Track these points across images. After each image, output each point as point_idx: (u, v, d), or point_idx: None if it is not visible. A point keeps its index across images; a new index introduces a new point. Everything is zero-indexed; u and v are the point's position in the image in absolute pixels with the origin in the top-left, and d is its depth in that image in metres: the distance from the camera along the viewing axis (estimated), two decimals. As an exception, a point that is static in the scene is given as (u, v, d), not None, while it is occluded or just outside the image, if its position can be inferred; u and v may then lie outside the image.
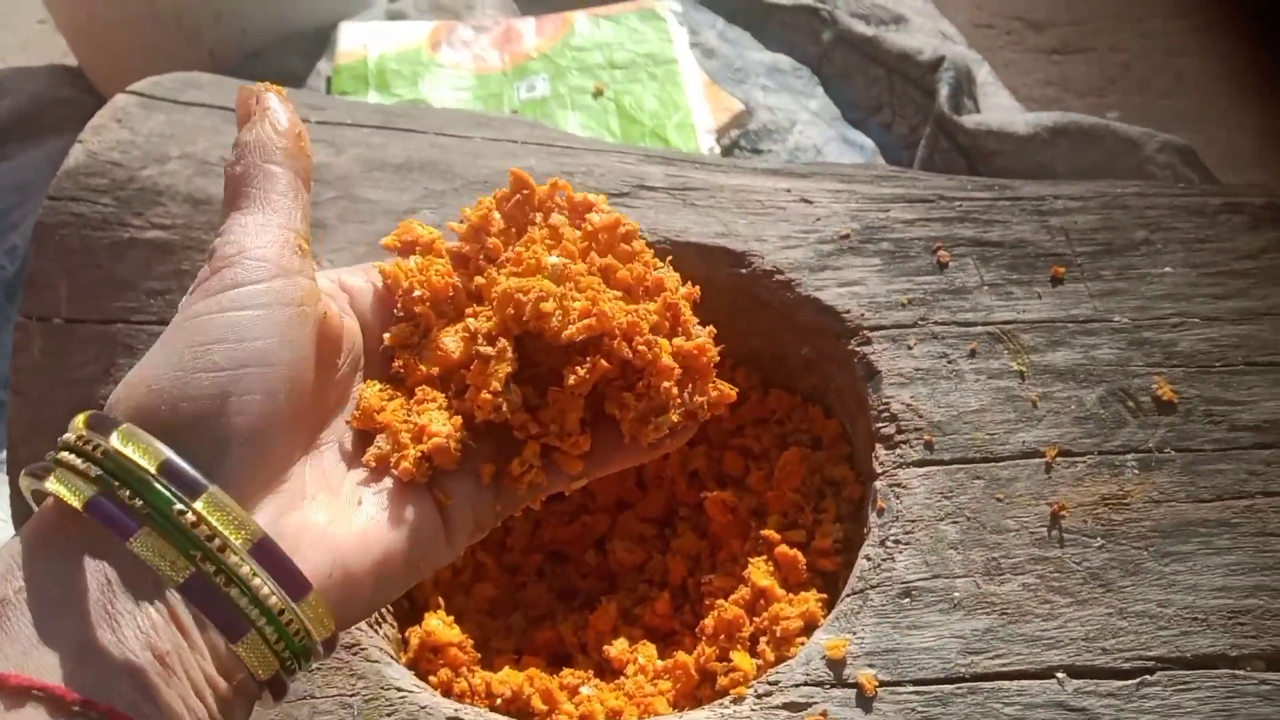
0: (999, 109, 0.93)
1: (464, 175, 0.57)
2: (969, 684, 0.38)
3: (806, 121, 0.96)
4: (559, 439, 0.32)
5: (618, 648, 0.47)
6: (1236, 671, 0.38)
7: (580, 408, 0.32)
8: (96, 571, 0.25)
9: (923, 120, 0.93)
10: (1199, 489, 0.42)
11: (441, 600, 0.49)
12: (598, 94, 0.97)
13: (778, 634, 0.43)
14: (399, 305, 0.33)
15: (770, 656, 0.42)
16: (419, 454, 0.30)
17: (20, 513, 0.50)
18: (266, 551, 0.26)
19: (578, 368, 0.31)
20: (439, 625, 0.46)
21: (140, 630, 0.25)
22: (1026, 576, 0.41)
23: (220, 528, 0.26)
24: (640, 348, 0.31)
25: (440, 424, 0.31)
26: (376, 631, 0.44)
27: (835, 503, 0.48)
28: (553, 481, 0.33)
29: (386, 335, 0.33)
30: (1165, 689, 0.38)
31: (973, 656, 0.39)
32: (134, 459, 0.25)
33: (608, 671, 0.47)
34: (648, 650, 0.47)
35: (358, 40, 0.97)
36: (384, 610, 0.47)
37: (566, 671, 0.45)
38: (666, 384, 0.32)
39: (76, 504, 0.25)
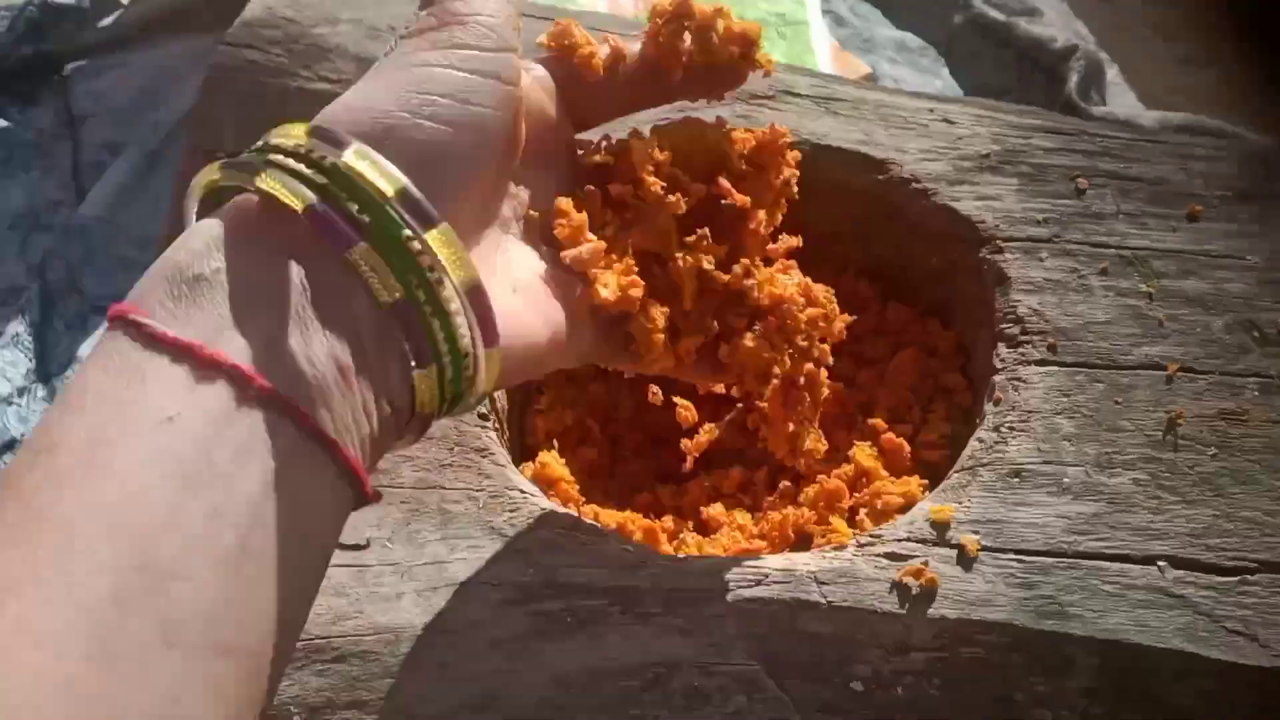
0: (1126, 106, 0.94)
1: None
2: (1070, 559, 0.40)
3: (930, 96, 0.97)
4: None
5: (714, 510, 0.49)
6: (1338, 584, 0.39)
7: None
8: (297, 274, 0.25)
9: (1049, 107, 0.93)
10: (1319, 417, 0.43)
11: (556, 443, 0.51)
12: (728, 44, 1.00)
13: (878, 507, 0.44)
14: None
15: (869, 526, 0.44)
16: (616, 294, 0.33)
17: None
18: (477, 296, 0.27)
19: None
20: (553, 460, 0.48)
21: (328, 339, 0.25)
22: (1138, 473, 0.42)
23: (445, 262, 0.26)
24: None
25: (627, 280, 0.34)
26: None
27: (945, 405, 0.50)
28: (663, 356, 0.36)
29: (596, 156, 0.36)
30: (1265, 589, 0.39)
31: (1077, 536, 0.40)
32: (370, 179, 0.26)
33: (705, 532, 0.49)
34: (744, 516, 0.48)
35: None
36: (504, 442, 0.49)
37: (668, 517, 0.47)
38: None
39: (297, 206, 0.25)
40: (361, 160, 0.26)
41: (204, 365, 0.24)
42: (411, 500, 0.42)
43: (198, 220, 0.27)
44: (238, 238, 0.25)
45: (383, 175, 0.26)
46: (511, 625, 0.38)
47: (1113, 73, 0.99)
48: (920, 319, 0.53)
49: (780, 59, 0.98)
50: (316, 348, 0.25)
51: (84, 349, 0.83)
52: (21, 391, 0.81)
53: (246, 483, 0.23)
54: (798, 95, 0.57)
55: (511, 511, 0.42)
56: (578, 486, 0.49)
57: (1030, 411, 0.44)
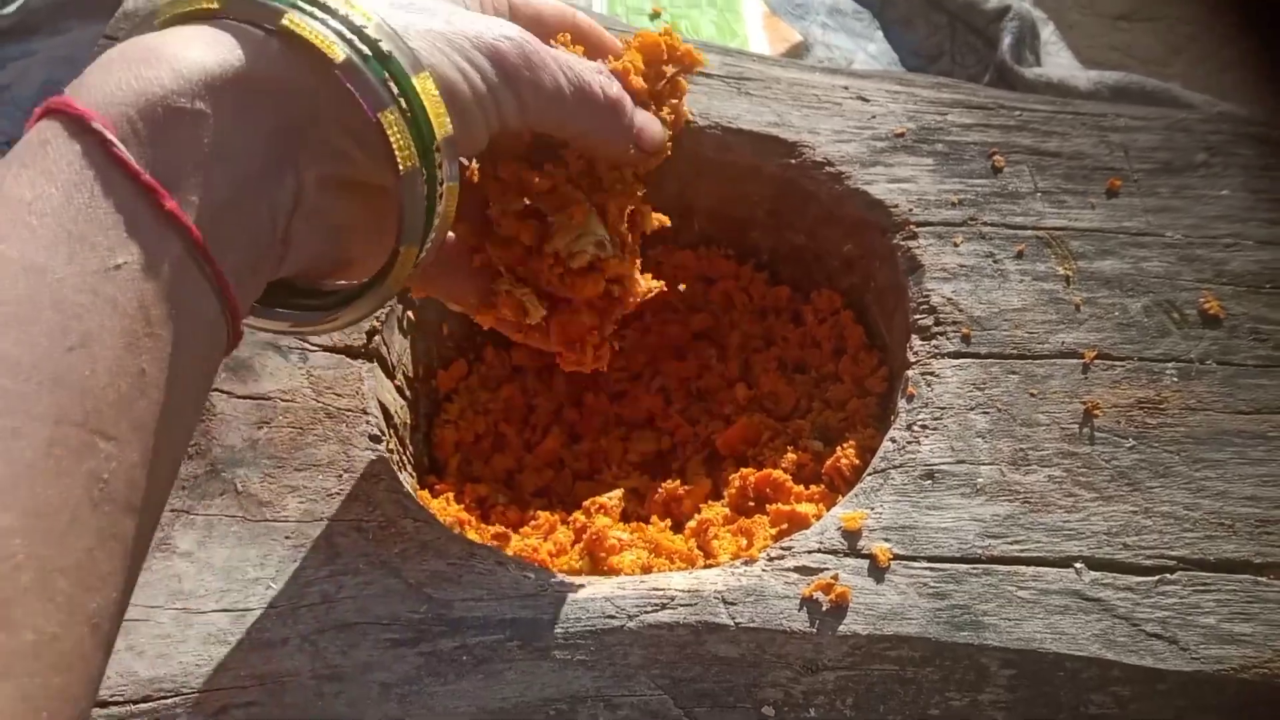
0: (1061, 66, 0.92)
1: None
2: (984, 565, 0.38)
3: (862, 63, 0.94)
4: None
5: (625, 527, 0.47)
6: (1259, 579, 0.38)
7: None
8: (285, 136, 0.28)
9: (982, 70, 0.91)
10: (1237, 401, 0.41)
11: (460, 456, 0.49)
12: (654, 16, 0.96)
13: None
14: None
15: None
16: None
17: None
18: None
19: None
20: (447, 495, 0.46)
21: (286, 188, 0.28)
22: (1053, 469, 0.40)
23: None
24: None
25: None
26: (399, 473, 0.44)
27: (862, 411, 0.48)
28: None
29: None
30: (1184, 588, 0.37)
31: (991, 540, 0.39)
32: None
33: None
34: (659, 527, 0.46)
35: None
36: (405, 460, 0.47)
37: (577, 516, 0.46)
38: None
39: (338, 56, 0.27)
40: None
41: (160, 218, 0.24)
42: (296, 535, 0.40)
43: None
44: (235, 83, 0.26)
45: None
46: (403, 668, 0.36)
47: (1048, 31, 0.96)
48: (833, 313, 0.51)
49: (710, 27, 0.95)
50: (263, 213, 0.27)
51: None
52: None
53: (168, 345, 0.24)
54: (708, 75, 0.54)
55: (404, 543, 0.39)
56: (486, 501, 0.47)
57: (943, 408, 0.42)
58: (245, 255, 0.27)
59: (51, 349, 0.22)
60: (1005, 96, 0.53)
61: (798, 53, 0.94)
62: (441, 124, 0.29)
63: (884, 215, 0.48)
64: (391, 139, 0.28)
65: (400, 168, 0.28)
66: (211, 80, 0.25)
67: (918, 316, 0.45)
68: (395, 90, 0.28)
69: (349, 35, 0.27)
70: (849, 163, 0.50)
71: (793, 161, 0.51)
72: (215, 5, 0.27)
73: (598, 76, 0.34)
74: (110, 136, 0.23)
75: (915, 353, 0.44)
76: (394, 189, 0.29)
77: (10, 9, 1.10)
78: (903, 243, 0.47)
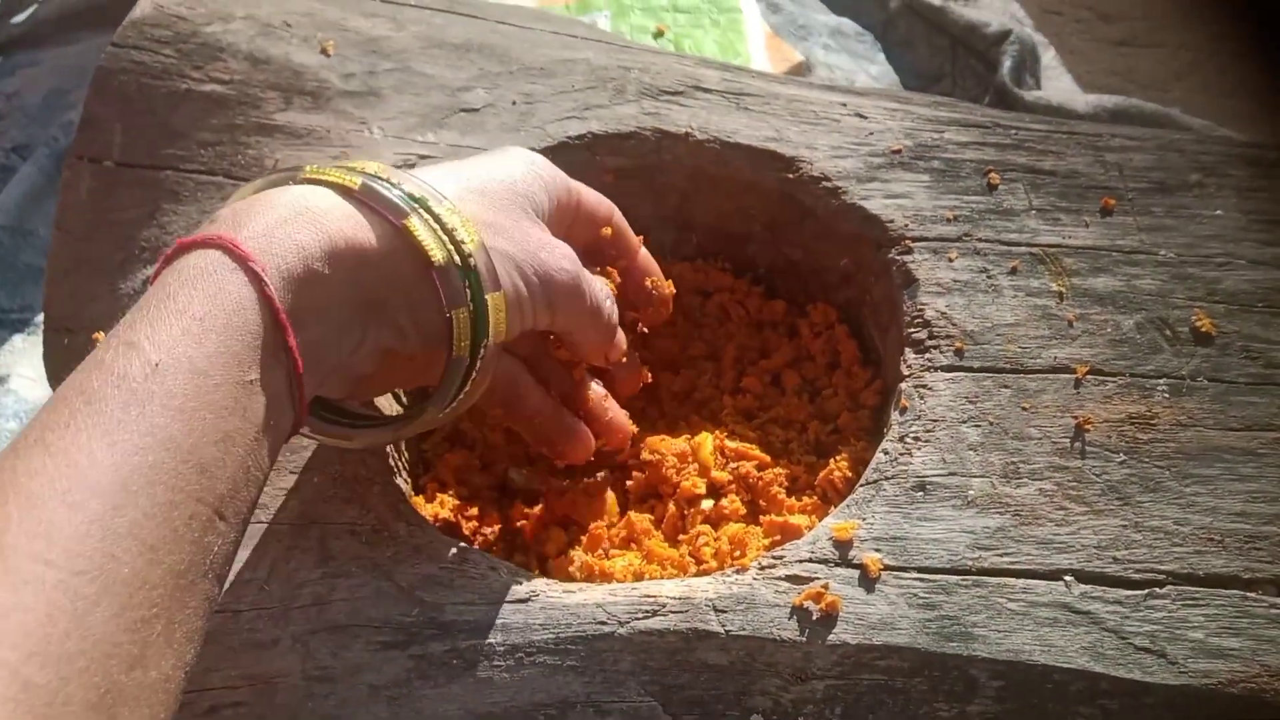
0: (1060, 90, 0.92)
1: (521, 60, 0.57)
2: (974, 576, 0.38)
3: (864, 84, 0.95)
4: None
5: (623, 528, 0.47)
6: (1248, 594, 0.38)
7: None
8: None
9: (983, 92, 0.92)
10: (1228, 418, 0.42)
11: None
12: (659, 35, 0.97)
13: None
14: None
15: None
16: None
17: (54, 367, 0.51)
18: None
19: None
20: (444, 497, 0.46)
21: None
22: (1044, 483, 0.40)
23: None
24: None
25: None
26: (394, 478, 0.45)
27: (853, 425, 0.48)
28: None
29: None
30: (1174, 602, 0.38)
31: (981, 552, 0.39)
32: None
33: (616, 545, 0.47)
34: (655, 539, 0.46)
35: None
36: (400, 463, 0.47)
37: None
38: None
39: (438, 258, 0.34)
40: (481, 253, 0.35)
41: (283, 348, 0.31)
42: (289, 537, 0.40)
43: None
44: (354, 256, 0.33)
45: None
46: (393, 670, 0.37)
47: (1049, 56, 0.97)
48: (828, 327, 0.52)
49: (713, 47, 0.96)
50: (330, 356, 0.34)
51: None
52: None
53: (265, 447, 0.31)
54: (707, 90, 0.55)
55: (396, 546, 0.40)
56: (477, 498, 0.47)
57: (935, 420, 0.42)
58: (310, 381, 0.33)
59: (203, 440, 0.28)
60: (1002, 116, 0.53)
61: (799, 73, 0.95)
62: (499, 332, 0.36)
63: (880, 230, 0.48)
64: (455, 332, 0.35)
65: (453, 354, 0.35)
66: (339, 253, 0.32)
67: (912, 330, 0.45)
68: (469, 296, 0.34)
69: (449, 245, 0.34)
70: (846, 178, 0.50)
71: (790, 176, 0.51)
72: (355, 185, 0.34)
73: (606, 303, 0.42)
74: (267, 280, 0.30)
75: (909, 366, 0.44)
76: (431, 360, 0.36)
77: (21, 18, 1.11)
78: (898, 257, 0.47)
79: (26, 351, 0.79)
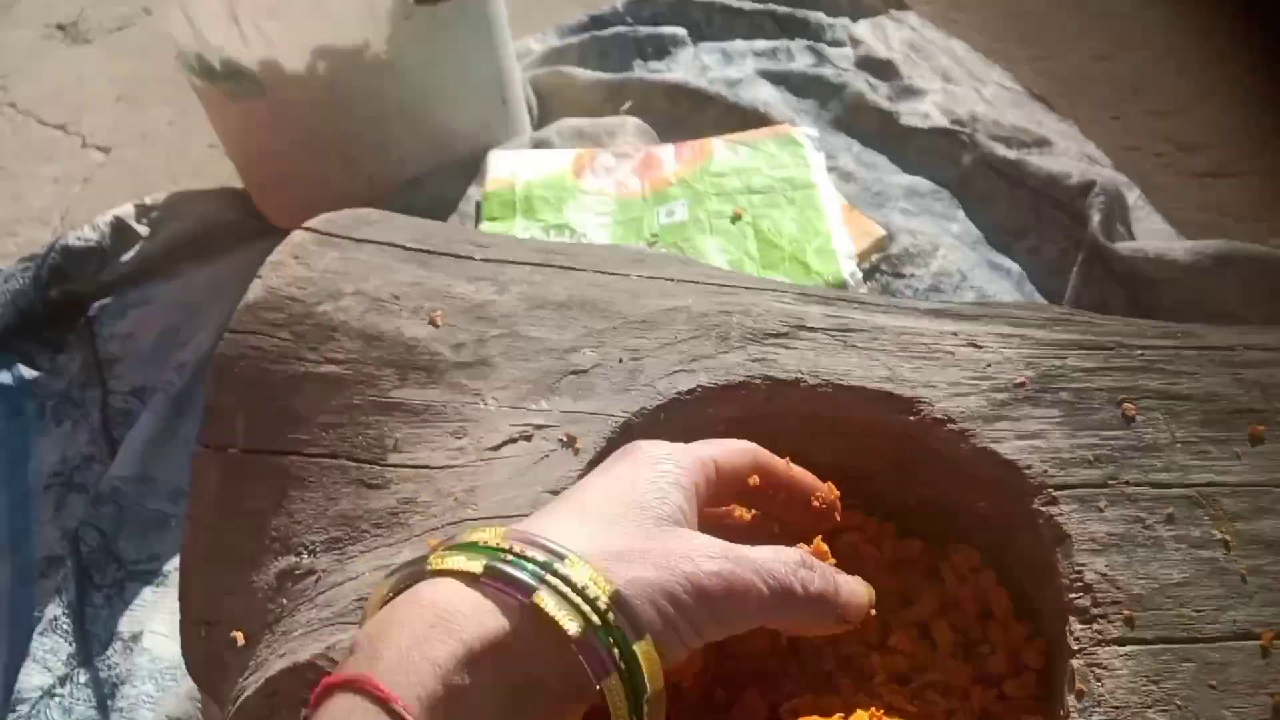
0: (1154, 235, 0.90)
1: (622, 314, 0.58)
2: None
3: (949, 245, 0.95)
4: None
5: None
6: None
7: None
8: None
9: (1072, 245, 0.90)
10: None
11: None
12: (736, 218, 0.99)
13: None
14: None
15: None
16: None
17: (195, 659, 0.51)
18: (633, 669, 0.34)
19: None
20: None
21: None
22: (1250, 777, 0.37)
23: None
24: None
25: None
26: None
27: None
28: None
29: None
30: None
31: None
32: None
33: None
34: None
35: (506, 168, 1.02)
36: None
37: None
38: None
39: (572, 630, 0.33)
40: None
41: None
42: None
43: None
44: (494, 652, 0.32)
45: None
46: None
47: (1134, 196, 0.96)
48: (973, 571, 0.50)
49: (792, 226, 0.96)
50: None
51: (124, 623, 0.81)
52: (64, 680, 0.79)
53: None
54: (812, 329, 0.55)
55: None
56: None
57: (1117, 707, 0.39)
58: None
59: None
60: (1124, 332, 0.52)
61: (882, 246, 0.95)
62: (656, 683, 0.34)
63: (1018, 477, 0.47)
64: (610, 703, 0.33)
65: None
66: (476, 657, 0.32)
67: (1073, 596, 0.43)
68: (618, 655, 0.33)
69: (584, 607, 0.33)
70: (971, 419, 0.49)
71: (912, 419, 0.50)
72: (479, 571, 0.33)
73: (798, 572, 0.37)
74: (409, 717, 0.30)
75: (1077, 639, 0.42)
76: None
77: (129, 255, 1.17)
78: (1043, 509, 0.45)
79: (158, 605, 0.81)
